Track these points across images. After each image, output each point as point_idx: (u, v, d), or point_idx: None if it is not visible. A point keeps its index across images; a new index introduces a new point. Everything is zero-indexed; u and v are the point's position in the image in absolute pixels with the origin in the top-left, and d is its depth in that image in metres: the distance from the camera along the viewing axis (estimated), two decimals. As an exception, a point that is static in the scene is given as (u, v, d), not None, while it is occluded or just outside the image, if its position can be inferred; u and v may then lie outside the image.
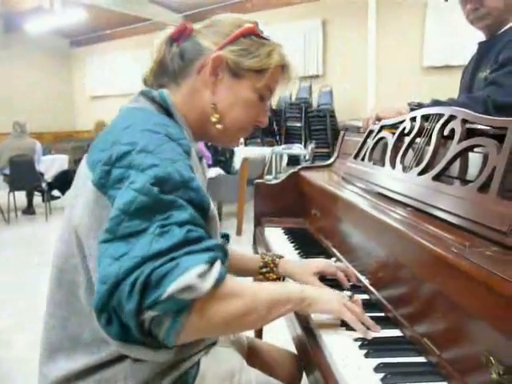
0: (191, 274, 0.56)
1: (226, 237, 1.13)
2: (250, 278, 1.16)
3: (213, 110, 0.85)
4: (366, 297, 1.00)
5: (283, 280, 1.09)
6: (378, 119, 1.42)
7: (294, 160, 7.19)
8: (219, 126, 0.86)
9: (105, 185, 0.68)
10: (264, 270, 1.09)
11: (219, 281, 0.60)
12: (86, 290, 0.74)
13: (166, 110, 0.82)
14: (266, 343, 1.20)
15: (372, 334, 0.81)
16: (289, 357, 1.15)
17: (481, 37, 1.61)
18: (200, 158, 0.91)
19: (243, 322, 0.70)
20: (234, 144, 0.97)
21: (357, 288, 1.05)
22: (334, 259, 1.07)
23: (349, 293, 0.86)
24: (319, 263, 1.07)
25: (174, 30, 0.87)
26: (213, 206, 0.72)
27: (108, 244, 0.61)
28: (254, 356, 1.09)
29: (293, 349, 1.06)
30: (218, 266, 0.61)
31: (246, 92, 0.86)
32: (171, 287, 0.55)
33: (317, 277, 1.04)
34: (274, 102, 8.24)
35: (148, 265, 0.57)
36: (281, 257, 1.11)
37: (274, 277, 1.09)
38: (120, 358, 0.75)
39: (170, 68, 0.86)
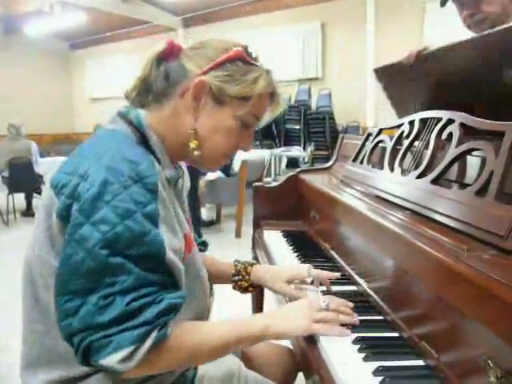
0: (114, 359, 0.64)
1: (203, 244, 1.13)
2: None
3: (192, 136, 0.82)
4: (364, 299, 1.00)
5: (253, 288, 1.09)
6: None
7: (293, 162, 7.20)
8: (196, 153, 0.83)
9: (67, 217, 0.69)
10: (236, 277, 1.08)
11: (152, 349, 0.67)
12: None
13: (141, 133, 0.80)
14: None
15: (348, 332, 0.82)
16: (283, 352, 1.15)
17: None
18: (177, 180, 0.89)
19: (188, 364, 0.82)
20: (213, 169, 0.95)
21: (355, 291, 1.05)
22: (309, 265, 1.06)
23: (324, 303, 0.84)
24: (291, 270, 1.06)
25: (163, 49, 0.84)
26: (169, 255, 0.71)
27: (60, 297, 0.67)
28: (248, 353, 1.09)
29: (286, 343, 1.06)
30: (151, 337, 0.66)
31: (228, 119, 0.83)
32: (103, 361, 0.65)
33: (288, 283, 1.03)
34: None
35: (90, 332, 0.65)
36: (253, 264, 1.10)
37: (246, 284, 1.08)
38: (98, 371, 0.76)
39: (154, 87, 0.84)
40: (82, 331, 0.65)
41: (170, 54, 0.84)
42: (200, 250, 1.10)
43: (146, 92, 0.85)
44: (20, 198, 5.70)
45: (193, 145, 0.82)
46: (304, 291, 1.01)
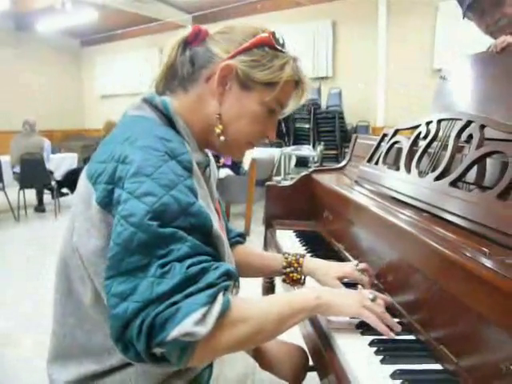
0: (188, 322, 0.58)
1: (241, 236, 1.13)
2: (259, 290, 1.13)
3: (217, 121, 0.82)
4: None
5: (304, 281, 1.08)
6: None
7: (302, 161, 7.18)
8: (222, 138, 0.83)
9: (109, 203, 0.68)
10: (288, 269, 1.07)
11: (222, 314, 0.62)
12: (93, 301, 0.74)
13: (168, 118, 0.80)
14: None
15: (392, 334, 0.81)
16: (295, 349, 1.14)
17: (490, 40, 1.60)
18: (206, 167, 0.89)
19: (253, 342, 0.76)
20: (238, 156, 0.93)
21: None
22: (356, 262, 1.05)
23: (371, 295, 0.84)
24: (343, 267, 1.05)
25: (190, 33, 0.84)
26: (216, 226, 0.71)
27: (111, 280, 0.63)
28: (259, 349, 1.09)
29: (298, 341, 1.06)
30: (219, 301, 0.63)
31: (254, 105, 0.82)
32: (173, 333, 0.58)
33: (339, 280, 1.02)
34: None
35: (152, 308, 0.60)
36: (304, 255, 1.09)
37: (298, 276, 1.07)
38: (130, 364, 0.76)
39: (179, 73, 0.84)
40: (141, 310, 0.60)
41: (196, 37, 0.84)
42: (238, 242, 1.11)
43: (172, 78, 0.85)
44: (31, 194, 5.75)
45: (218, 130, 0.82)
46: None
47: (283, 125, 7.98)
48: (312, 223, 1.67)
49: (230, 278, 0.67)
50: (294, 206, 1.72)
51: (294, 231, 1.60)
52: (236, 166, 4.58)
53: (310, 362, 1.04)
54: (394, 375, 0.70)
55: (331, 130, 7.56)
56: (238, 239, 1.11)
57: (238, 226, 4.78)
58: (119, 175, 0.68)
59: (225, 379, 0.87)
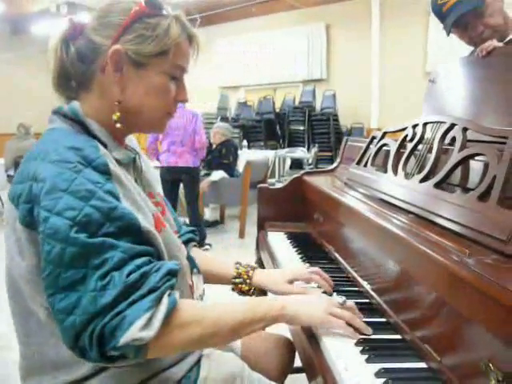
0: (134, 329, 0.61)
1: (193, 232, 1.11)
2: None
3: (116, 108, 0.79)
4: (367, 301, 1.01)
5: (253, 292, 1.07)
6: None
7: (297, 163, 7.20)
8: (119, 125, 0.80)
9: (32, 221, 0.68)
10: (237, 280, 1.07)
11: (168, 314, 0.65)
12: (47, 316, 0.74)
13: (80, 123, 0.78)
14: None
15: (357, 335, 0.82)
16: (282, 341, 1.14)
17: None
18: (133, 159, 0.88)
19: (208, 344, 0.78)
20: (161, 130, 0.90)
21: (358, 293, 1.06)
22: (307, 265, 1.06)
23: (341, 299, 0.84)
24: (292, 270, 1.07)
25: (66, 29, 0.80)
26: (143, 223, 0.70)
27: (53, 298, 0.64)
28: (246, 341, 1.09)
29: (285, 333, 1.06)
30: (164, 303, 0.65)
31: (155, 78, 0.80)
32: (122, 340, 0.61)
33: (291, 283, 1.02)
34: (277, 104, 8.27)
35: (99, 319, 0.62)
36: (255, 268, 1.09)
37: (247, 288, 1.06)
38: (104, 369, 0.76)
39: (73, 73, 0.81)
40: (89, 322, 0.62)
41: (74, 31, 0.80)
42: (191, 240, 1.09)
43: (67, 80, 0.82)
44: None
45: (115, 117, 0.79)
46: (308, 290, 1.01)
47: (278, 127, 8.00)
48: (303, 225, 1.69)
49: (173, 276, 0.69)
50: (285, 208, 1.73)
51: (286, 233, 1.61)
52: (230, 169, 4.59)
53: (297, 361, 1.05)
54: (378, 374, 0.72)
55: (326, 132, 7.60)
56: (189, 236, 1.09)
57: (232, 228, 4.80)
58: (35, 193, 0.67)
59: (212, 381, 0.88)
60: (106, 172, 0.71)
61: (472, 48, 1.67)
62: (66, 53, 0.80)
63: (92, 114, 0.80)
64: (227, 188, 4.50)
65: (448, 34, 1.63)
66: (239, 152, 5.01)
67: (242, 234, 4.50)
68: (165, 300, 0.65)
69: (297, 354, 1.04)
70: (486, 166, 0.84)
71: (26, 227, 0.69)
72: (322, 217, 1.53)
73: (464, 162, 0.90)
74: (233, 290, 1.10)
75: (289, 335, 1.07)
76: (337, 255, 1.31)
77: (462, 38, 1.62)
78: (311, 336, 0.87)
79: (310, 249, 1.42)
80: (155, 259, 0.70)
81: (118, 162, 0.79)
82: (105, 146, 0.77)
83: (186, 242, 1.06)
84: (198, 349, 0.82)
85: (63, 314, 0.63)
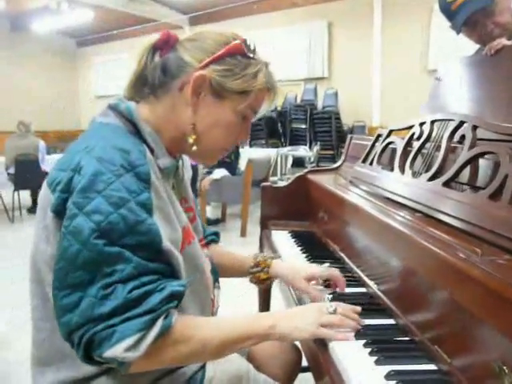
0: (120, 348, 0.63)
1: (216, 234, 1.13)
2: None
3: (191, 131, 0.81)
4: (374, 302, 1.00)
5: (271, 282, 1.09)
6: None
7: (298, 161, 7.19)
8: (194, 148, 0.82)
9: (63, 212, 0.69)
10: (254, 269, 1.09)
11: (158, 337, 0.66)
12: None
13: (133, 124, 0.79)
14: None
15: (351, 336, 0.82)
16: (288, 345, 1.14)
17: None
18: (177, 168, 0.90)
19: (192, 361, 0.81)
20: (211, 162, 0.93)
21: (365, 294, 1.05)
22: (327, 264, 1.06)
23: (332, 308, 0.83)
24: (311, 269, 1.06)
25: (158, 39, 0.82)
26: (165, 243, 0.70)
27: (57, 291, 0.67)
28: (253, 351, 1.09)
29: None
30: (157, 325, 0.66)
31: (228, 114, 0.82)
32: (106, 353, 0.63)
33: (308, 282, 1.03)
34: (279, 103, 8.25)
35: (92, 325, 0.64)
36: (274, 258, 1.11)
37: (265, 277, 1.08)
38: (109, 370, 0.76)
39: (150, 80, 0.82)
40: (83, 325, 0.63)
41: (166, 44, 0.82)
42: (213, 241, 1.11)
43: (142, 85, 0.84)
44: (26, 195, 5.72)
45: (191, 140, 0.82)
46: (323, 292, 1.00)
47: (279, 125, 7.99)
48: (307, 224, 1.67)
49: (176, 299, 0.69)
50: (289, 206, 1.72)
51: (290, 232, 1.60)
52: (232, 167, 4.58)
53: (304, 360, 1.04)
54: (388, 376, 0.70)
55: (327, 131, 7.59)
56: (212, 237, 1.11)
57: (234, 226, 4.78)
58: (73, 185, 0.68)
59: (219, 380, 0.87)
60: (145, 181, 0.71)
61: (476, 46, 1.66)
62: (151, 61, 0.83)
63: (151, 119, 0.81)
64: (229, 186, 4.49)
65: (458, 33, 1.61)
66: (241, 150, 5.00)
67: (243, 233, 4.49)
68: (159, 323, 0.66)
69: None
70: (496, 164, 0.83)
71: (56, 215, 0.70)
72: (326, 215, 1.52)
73: (474, 160, 0.89)
74: (250, 280, 1.10)
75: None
76: (342, 254, 1.30)
77: (470, 37, 1.60)
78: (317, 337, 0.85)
79: (314, 248, 1.41)
80: (165, 278, 0.70)
81: (161, 169, 0.79)
82: (151, 151, 0.78)
83: (208, 244, 1.08)
84: (181, 365, 0.83)
85: (62, 310, 0.65)
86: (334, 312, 0.83)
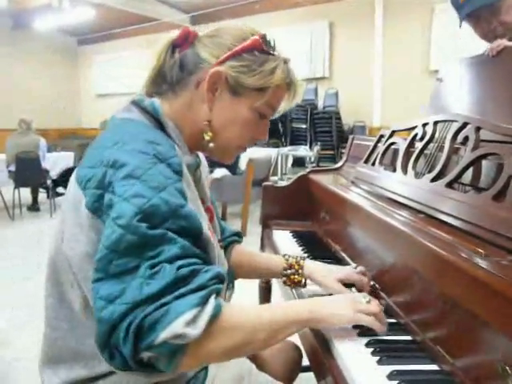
0: (179, 323, 0.57)
1: (238, 235, 1.11)
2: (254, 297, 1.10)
3: (207, 128, 0.81)
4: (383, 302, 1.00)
5: (305, 283, 1.06)
6: None
7: (299, 161, 7.20)
8: (211, 145, 0.82)
9: (99, 208, 0.67)
10: (289, 271, 1.04)
11: (213, 318, 0.61)
12: (83, 306, 0.74)
13: (157, 121, 0.79)
14: None
15: (385, 330, 0.81)
16: (289, 345, 1.14)
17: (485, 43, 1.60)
18: (197, 166, 0.89)
19: (243, 352, 0.73)
20: (229, 160, 0.91)
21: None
22: (354, 265, 1.05)
23: (367, 298, 0.83)
24: (343, 270, 1.04)
25: (177, 36, 0.82)
26: (206, 229, 0.70)
27: (100, 283, 0.61)
28: None
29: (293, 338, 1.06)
30: (211, 303, 0.61)
31: (245, 111, 0.81)
32: (162, 335, 0.56)
33: (340, 283, 1.00)
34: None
35: (140, 309, 0.58)
36: (304, 258, 1.08)
37: (300, 279, 1.04)
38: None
39: (168, 77, 0.82)
40: (129, 313, 0.58)
41: (185, 40, 0.82)
42: (235, 241, 1.09)
43: (162, 81, 0.84)
44: (26, 193, 5.72)
45: (207, 137, 0.81)
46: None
47: (280, 125, 7.99)
48: (309, 224, 1.67)
49: (221, 281, 0.66)
50: (290, 206, 1.72)
51: (291, 231, 1.60)
52: (233, 166, 4.58)
53: (305, 360, 1.04)
54: (390, 376, 0.70)
55: (328, 131, 7.59)
56: (234, 238, 1.09)
57: (234, 226, 4.78)
58: (109, 180, 0.67)
59: (220, 380, 0.87)
60: (178, 172, 0.70)
61: (479, 42, 1.65)
62: (170, 57, 0.82)
63: (171, 115, 0.81)
64: (229, 186, 4.49)
65: (460, 26, 1.60)
66: (241, 150, 4.99)
67: (243, 233, 4.47)
68: (212, 301, 0.62)
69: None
70: (499, 165, 0.83)
71: (91, 212, 0.68)
72: (328, 216, 1.52)
73: (477, 161, 0.89)
74: (284, 283, 1.07)
75: (296, 338, 1.06)
76: (344, 255, 1.30)
77: (475, 30, 1.59)
78: (320, 336, 0.86)
79: (316, 248, 1.41)
80: (206, 264, 0.68)
81: (186, 166, 0.78)
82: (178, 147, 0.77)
83: (229, 244, 1.06)
84: (231, 358, 0.76)
85: (105, 301, 0.60)
86: (369, 302, 0.82)
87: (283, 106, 0.87)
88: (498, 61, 1.28)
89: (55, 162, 6.11)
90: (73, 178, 0.75)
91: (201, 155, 0.95)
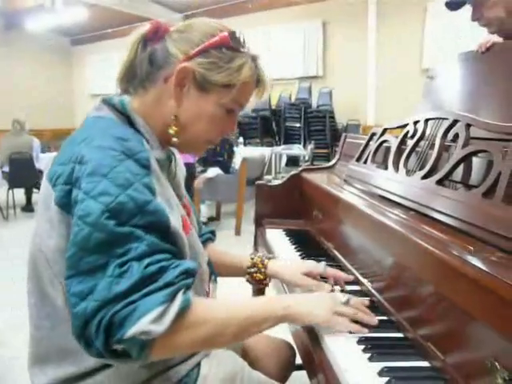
0: (145, 321, 0.59)
1: (212, 233, 1.13)
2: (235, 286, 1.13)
3: (172, 122, 0.81)
4: (368, 299, 1.00)
5: (269, 280, 1.09)
6: None
7: (293, 160, 7.20)
8: (175, 140, 0.82)
9: (68, 204, 0.69)
10: (252, 269, 1.07)
11: (180, 313, 0.63)
12: (65, 302, 0.74)
13: (126, 117, 0.80)
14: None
15: (365, 330, 0.82)
16: (282, 344, 1.15)
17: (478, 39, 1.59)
18: (170, 162, 0.89)
19: (212, 345, 0.77)
20: (198, 154, 0.91)
21: (359, 291, 1.05)
22: (324, 263, 1.06)
23: (344, 298, 0.84)
24: (308, 263, 1.06)
25: (148, 29, 0.82)
26: (173, 223, 0.70)
27: (71, 280, 0.64)
28: (246, 344, 1.09)
29: (285, 336, 1.06)
30: (178, 299, 0.64)
31: (212, 107, 0.82)
32: (130, 331, 0.59)
33: (305, 276, 1.02)
34: (273, 101, 8.25)
35: (110, 307, 0.60)
36: (270, 257, 1.10)
37: (261, 277, 1.07)
38: (108, 365, 0.76)
39: (138, 71, 0.82)
40: (100, 309, 0.61)
41: (156, 34, 0.82)
42: (209, 239, 1.11)
43: (133, 77, 0.84)
44: (20, 193, 5.70)
45: (171, 131, 0.82)
46: (323, 285, 1.00)
47: (274, 124, 7.98)
48: (302, 222, 1.68)
49: (190, 276, 0.68)
50: (283, 204, 1.72)
51: (284, 230, 1.60)
52: (226, 166, 4.58)
53: (298, 359, 1.04)
54: (381, 373, 0.71)
55: (322, 129, 7.59)
56: (208, 236, 1.11)
57: (228, 225, 4.78)
58: (76, 176, 0.68)
59: (213, 379, 0.87)
60: (146, 166, 0.71)
61: (471, 43, 1.64)
62: (141, 52, 0.82)
63: (141, 111, 0.81)
64: (223, 185, 4.49)
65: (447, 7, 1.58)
66: (235, 149, 4.99)
67: (238, 232, 4.49)
68: (179, 297, 0.64)
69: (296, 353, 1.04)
70: (489, 162, 0.84)
71: (60, 208, 0.70)
72: (320, 214, 1.52)
73: (467, 158, 0.89)
74: (247, 281, 1.09)
75: (289, 337, 1.06)
76: (336, 253, 1.31)
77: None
78: (312, 334, 0.86)
79: (308, 246, 1.41)
80: (176, 259, 0.69)
81: (157, 161, 0.79)
82: (147, 142, 0.78)
83: (205, 242, 1.07)
84: (202, 350, 0.80)
85: (77, 297, 0.62)
86: (347, 302, 0.83)
87: (252, 101, 0.88)
88: (487, 57, 1.29)
89: (49, 162, 6.03)
90: (44, 177, 0.76)
91: (176, 152, 0.96)
